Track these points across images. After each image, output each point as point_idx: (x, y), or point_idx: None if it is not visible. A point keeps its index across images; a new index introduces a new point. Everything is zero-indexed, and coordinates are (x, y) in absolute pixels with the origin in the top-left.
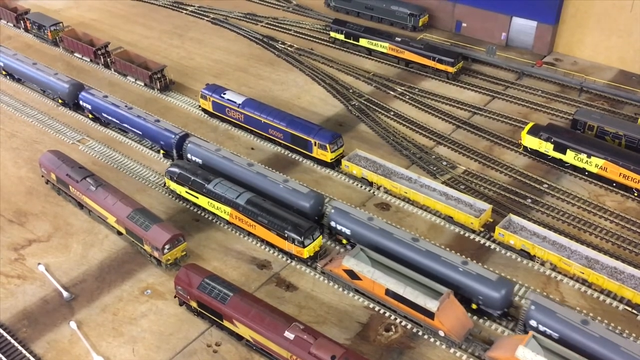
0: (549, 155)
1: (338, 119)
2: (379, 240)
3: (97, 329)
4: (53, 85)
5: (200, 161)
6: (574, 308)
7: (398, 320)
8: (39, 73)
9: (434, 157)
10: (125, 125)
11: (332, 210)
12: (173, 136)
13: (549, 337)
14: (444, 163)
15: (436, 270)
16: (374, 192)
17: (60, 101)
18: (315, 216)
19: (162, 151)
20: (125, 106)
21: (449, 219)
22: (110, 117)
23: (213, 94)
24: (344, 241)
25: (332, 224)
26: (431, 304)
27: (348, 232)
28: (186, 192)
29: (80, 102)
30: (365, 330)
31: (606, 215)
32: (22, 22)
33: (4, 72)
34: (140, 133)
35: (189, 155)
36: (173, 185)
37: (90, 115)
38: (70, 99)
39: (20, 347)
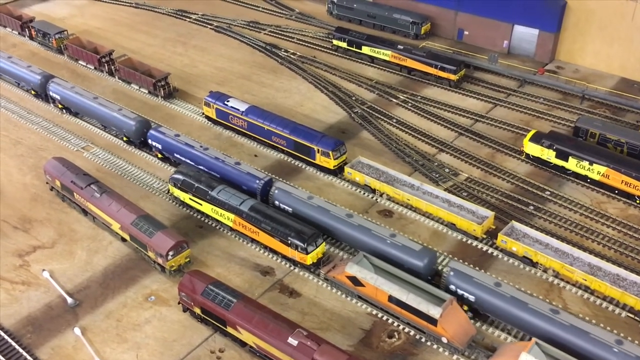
0: (551, 163)
1: (341, 126)
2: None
3: (101, 335)
4: (118, 123)
5: (290, 210)
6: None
7: (401, 327)
8: (102, 109)
9: (436, 164)
10: (202, 168)
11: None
12: (257, 181)
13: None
14: (447, 170)
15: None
16: (376, 199)
17: (125, 139)
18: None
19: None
20: (201, 146)
21: (452, 226)
22: (183, 158)
23: (216, 101)
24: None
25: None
26: (434, 311)
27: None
28: (190, 198)
29: (149, 141)
30: (368, 337)
31: (608, 223)
32: (27, 30)
33: (60, 106)
34: (219, 176)
35: (276, 202)
36: (177, 192)
37: (160, 155)
38: (136, 136)
39: (24, 353)
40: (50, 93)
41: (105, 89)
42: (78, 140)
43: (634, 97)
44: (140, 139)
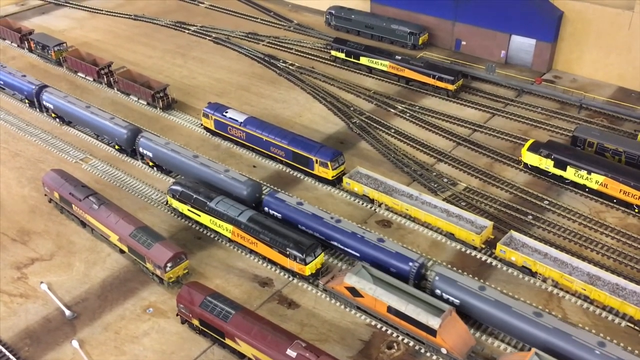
0: (550, 172)
1: (339, 136)
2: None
3: (99, 348)
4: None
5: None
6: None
7: (400, 338)
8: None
9: (434, 174)
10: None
11: None
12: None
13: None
14: (445, 180)
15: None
16: (375, 210)
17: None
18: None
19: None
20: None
21: (450, 236)
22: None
23: (215, 112)
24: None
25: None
26: (433, 321)
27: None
28: (188, 210)
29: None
30: (367, 348)
31: (607, 232)
32: (26, 42)
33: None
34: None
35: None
36: (175, 204)
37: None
38: (128, 145)
39: None
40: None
41: (104, 100)
42: (77, 152)
43: (631, 106)
44: (132, 147)
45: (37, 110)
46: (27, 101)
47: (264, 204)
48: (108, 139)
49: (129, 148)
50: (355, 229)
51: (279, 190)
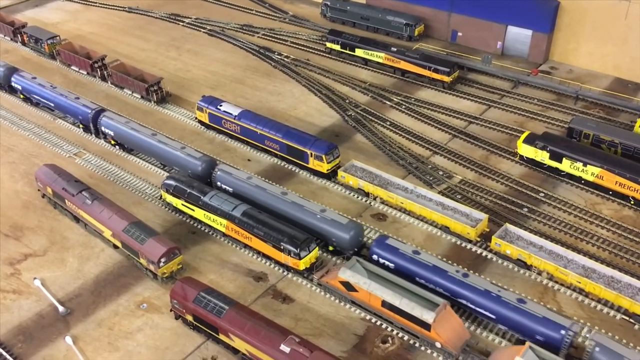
0: (545, 164)
1: (334, 129)
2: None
3: (92, 344)
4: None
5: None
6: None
7: (395, 332)
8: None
9: (430, 166)
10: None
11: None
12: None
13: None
14: (440, 173)
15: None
16: (370, 203)
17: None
18: None
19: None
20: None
21: (446, 229)
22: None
23: (209, 105)
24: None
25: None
26: (427, 316)
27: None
28: (182, 204)
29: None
30: (361, 342)
31: (603, 224)
32: (19, 35)
33: (113, 142)
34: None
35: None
36: (169, 198)
37: (22, 96)
38: (203, 177)
39: None
40: (103, 128)
41: (98, 94)
42: (70, 147)
43: (628, 97)
44: (207, 180)
45: (94, 136)
46: (81, 126)
47: (371, 252)
48: (179, 170)
49: (204, 180)
50: (488, 286)
51: (389, 235)
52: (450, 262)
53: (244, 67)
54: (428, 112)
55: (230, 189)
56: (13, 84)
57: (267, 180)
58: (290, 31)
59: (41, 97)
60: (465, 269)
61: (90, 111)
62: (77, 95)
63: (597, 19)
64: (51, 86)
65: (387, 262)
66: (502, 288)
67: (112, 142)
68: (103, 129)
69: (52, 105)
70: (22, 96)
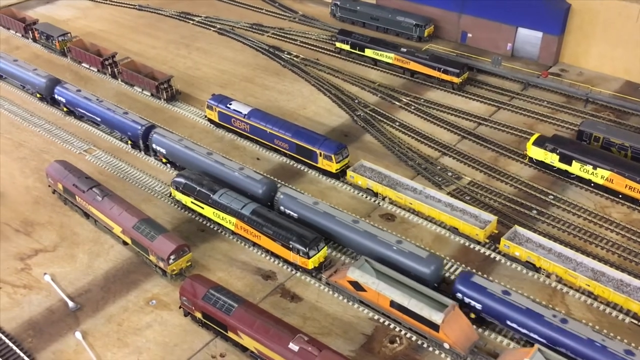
0: (555, 167)
1: (343, 129)
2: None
3: (102, 339)
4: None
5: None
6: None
7: (403, 332)
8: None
9: (439, 167)
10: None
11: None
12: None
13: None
14: (449, 174)
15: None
16: (379, 203)
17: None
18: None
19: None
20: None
21: (454, 230)
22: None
23: (219, 104)
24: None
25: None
26: (436, 316)
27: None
28: (192, 202)
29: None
30: (369, 342)
31: (612, 227)
32: (30, 32)
33: (164, 160)
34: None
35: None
36: (179, 196)
37: (65, 109)
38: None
39: (25, 357)
40: (154, 146)
41: (108, 91)
42: (81, 143)
43: (638, 100)
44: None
45: (142, 153)
46: (129, 142)
47: (455, 289)
48: (244, 191)
49: (265, 203)
50: (590, 334)
51: (473, 270)
52: (543, 305)
53: (254, 66)
54: (437, 113)
55: (295, 215)
56: (56, 96)
57: (336, 207)
58: (299, 31)
59: (87, 111)
60: (562, 312)
61: (140, 127)
62: (126, 109)
63: (607, 21)
64: (97, 100)
65: (473, 302)
66: (606, 337)
67: (163, 160)
68: (154, 146)
69: (99, 120)
70: (65, 109)
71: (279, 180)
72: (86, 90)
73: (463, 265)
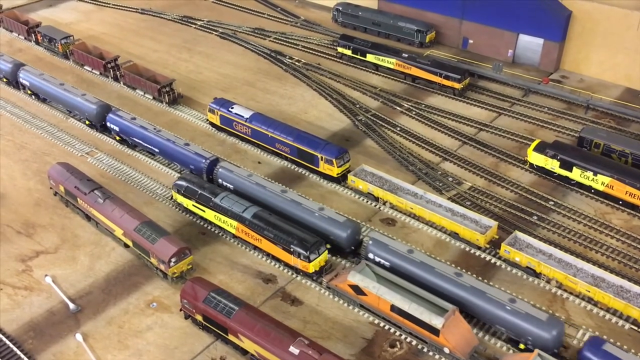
0: (555, 173)
1: (345, 133)
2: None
3: (102, 342)
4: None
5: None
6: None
7: (403, 337)
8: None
9: (440, 173)
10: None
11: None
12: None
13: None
14: (450, 179)
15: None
16: (379, 208)
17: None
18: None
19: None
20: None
21: (455, 235)
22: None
23: (221, 107)
24: None
25: None
26: (436, 321)
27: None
28: (193, 205)
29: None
30: (370, 346)
31: (612, 234)
32: (33, 35)
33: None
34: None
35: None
36: (180, 199)
37: (118, 138)
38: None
39: (26, 359)
40: (220, 180)
41: (110, 94)
42: (82, 146)
43: (639, 107)
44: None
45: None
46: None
47: (582, 357)
48: (324, 234)
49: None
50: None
51: (604, 338)
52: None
53: (255, 70)
54: (438, 118)
55: (387, 264)
56: (108, 124)
57: (433, 256)
58: (301, 35)
59: (143, 141)
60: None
61: (204, 161)
62: (187, 141)
63: (608, 28)
64: (155, 129)
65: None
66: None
67: (29, 92)
68: (220, 181)
69: (157, 150)
70: (117, 138)
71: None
72: (93, 93)
73: (551, 311)
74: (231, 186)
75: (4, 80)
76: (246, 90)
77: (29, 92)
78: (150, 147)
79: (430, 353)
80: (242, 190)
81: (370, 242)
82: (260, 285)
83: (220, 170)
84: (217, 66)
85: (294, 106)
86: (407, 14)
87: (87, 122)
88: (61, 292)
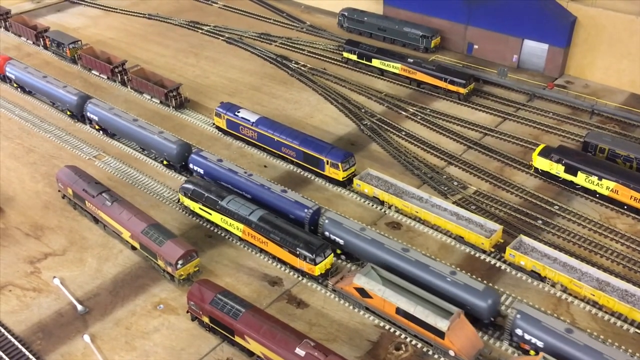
0: (560, 177)
1: (350, 138)
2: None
3: (110, 343)
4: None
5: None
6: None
7: (408, 339)
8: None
9: (445, 177)
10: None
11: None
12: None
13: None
14: (455, 183)
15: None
16: (385, 211)
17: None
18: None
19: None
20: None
21: (460, 239)
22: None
23: (227, 112)
24: None
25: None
26: (442, 324)
27: None
28: (200, 208)
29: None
30: (375, 349)
31: (617, 238)
32: (41, 39)
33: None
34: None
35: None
36: (187, 202)
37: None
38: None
39: None
40: (328, 235)
41: (117, 98)
42: (90, 149)
43: None
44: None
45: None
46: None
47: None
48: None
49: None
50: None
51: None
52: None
53: (262, 75)
54: (443, 123)
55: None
56: (191, 165)
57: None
58: (307, 40)
59: (233, 186)
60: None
61: (306, 210)
62: (285, 187)
63: (613, 34)
64: (246, 173)
65: (337, 239)
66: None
67: (15, 85)
68: (327, 234)
69: (249, 196)
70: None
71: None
72: (100, 97)
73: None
74: (341, 241)
75: (68, 113)
76: (252, 95)
77: (97, 127)
78: (242, 192)
79: (436, 356)
80: (352, 246)
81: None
82: (266, 288)
83: (326, 222)
84: (223, 71)
85: (300, 110)
86: (413, 19)
87: (164, 162)
88: (69, 293)
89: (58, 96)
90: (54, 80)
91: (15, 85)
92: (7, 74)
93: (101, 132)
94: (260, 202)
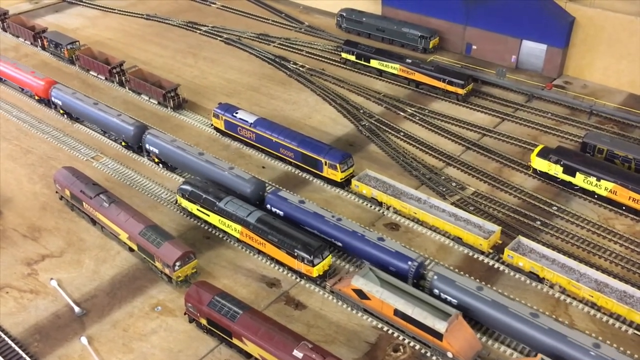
0: (559, 178)
1: (348, 139)
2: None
3: (107, 345)
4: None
5: None
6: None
7: (406, 341)
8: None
9: (443, 178)
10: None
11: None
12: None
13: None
14: (454, 184)
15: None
16: (383, 212)
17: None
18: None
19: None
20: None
21: (458, 240)
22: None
23: (225, 113)
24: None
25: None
26: (440, 325)
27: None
28: (197, 209)
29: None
30: (373, 351)
31: (616, 239)
32: (39, 40)
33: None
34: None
35: None
36: (185, 203)
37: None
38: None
39: None
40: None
41: (115, 99)
42: (88, 150)
43: None
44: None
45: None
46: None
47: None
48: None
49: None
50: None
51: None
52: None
53: (260, 76)
54: (442, 123)
55: (455, 301)
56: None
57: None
58: (305, 41)
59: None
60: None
61: (409, 263)
62: (381, 235)
63: (612, 34)
64: (334, 217)
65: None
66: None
67: None
68: (436, 291)
69: (340, 244)
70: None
71: (284, 188)
72: (98, 98)
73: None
74: (454, 301)
75: (123, 143)
76: (250, 96)
77: (156, 160)
78: (328, 238)
79: (434, 357)
80: (467, 307)
81: (435, 277)
82: (264, 289)
83: (435, 278)
84: (221, 71)
85: (298, 111)
86: (411, 19)
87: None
88: (66, 295)
89: (112, 126)
90: (106, 108)
91: (61, 112)
92: (53, 99)
93: (160, 164)
94: (352, 251)
